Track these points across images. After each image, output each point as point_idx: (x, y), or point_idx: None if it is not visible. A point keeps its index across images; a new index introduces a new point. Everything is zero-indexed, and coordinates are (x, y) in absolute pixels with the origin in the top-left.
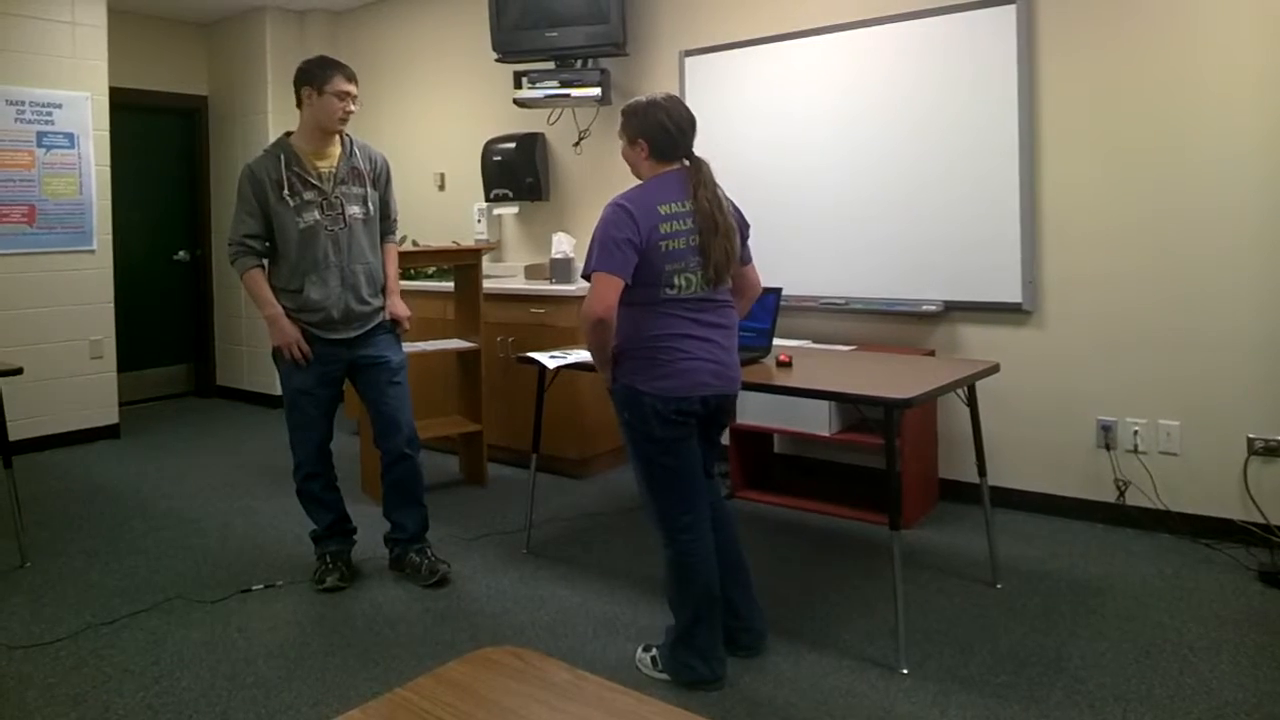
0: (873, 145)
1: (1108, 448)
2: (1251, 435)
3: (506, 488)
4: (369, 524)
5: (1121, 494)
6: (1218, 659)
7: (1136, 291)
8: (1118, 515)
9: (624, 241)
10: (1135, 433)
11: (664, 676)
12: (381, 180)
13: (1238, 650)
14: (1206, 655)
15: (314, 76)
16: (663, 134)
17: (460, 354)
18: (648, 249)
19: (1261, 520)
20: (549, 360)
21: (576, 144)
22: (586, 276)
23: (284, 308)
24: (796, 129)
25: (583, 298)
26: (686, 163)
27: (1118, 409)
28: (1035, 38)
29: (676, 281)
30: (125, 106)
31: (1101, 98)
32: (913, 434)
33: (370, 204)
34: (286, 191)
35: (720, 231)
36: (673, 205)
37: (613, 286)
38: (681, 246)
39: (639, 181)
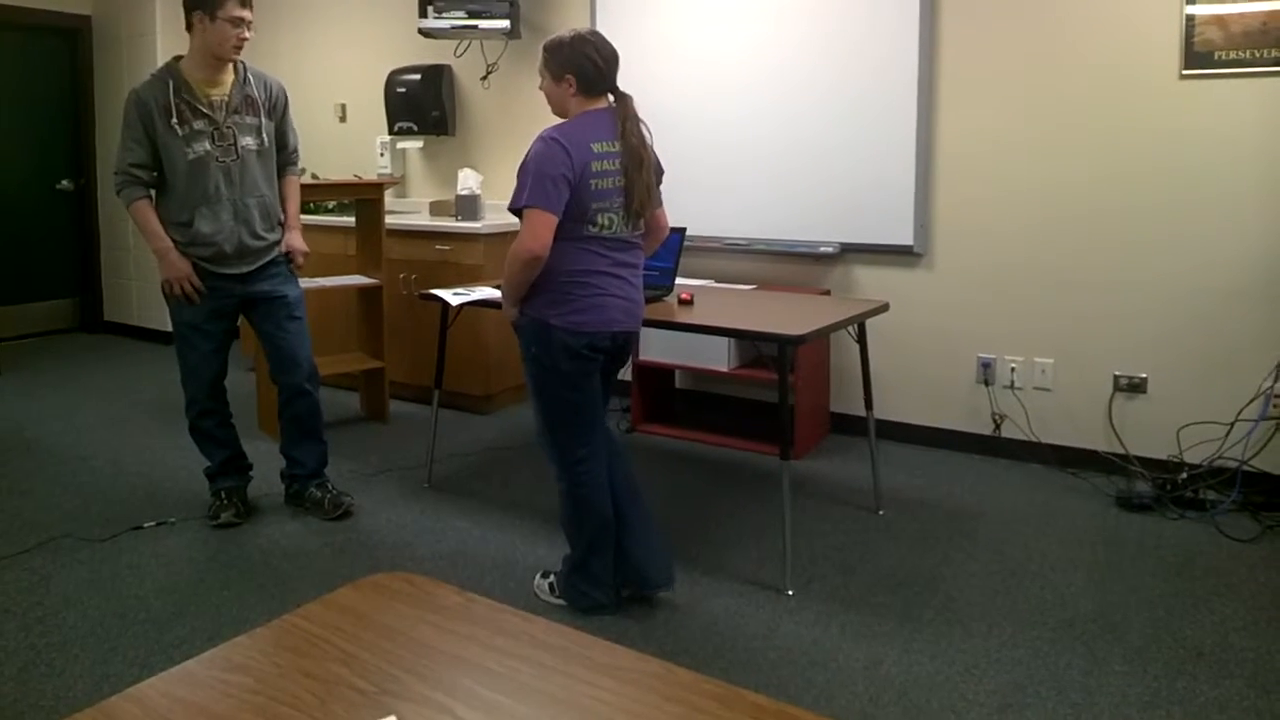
0: (779, 91)
1: (987, 384)
2: (1117, 373)
3: (408, 424)
4: (266, 461)
5: (998, 427)
6: (1074, 576)
7: (1019, 240)
8: (994, 446)
9: (559, 178)
10: (1012, 370)
11: (561, 602)
12: (278, 110)
13: (1091, 568)
14: (1065, 573)
15: (206, 1)
16: (591, 67)
17: (361, 290)
18: (579, 186)
19: (1121, 450)
20: (452, 297)
21: (484, 78)
22: (516, 211)
23: (173, 240)
24: (705, 70)
25: (489, 235)
26: (612, 99)
27: (997, 347)
28: None
29: (600, 220)
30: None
31: (998, 54)
32: (806, 369)
33: (265, 135)
34: (175, 119)
35: (644, 167)
36: (604, 144)
37: (548, 224)
38: (609, 186)
39: (557, 120)
